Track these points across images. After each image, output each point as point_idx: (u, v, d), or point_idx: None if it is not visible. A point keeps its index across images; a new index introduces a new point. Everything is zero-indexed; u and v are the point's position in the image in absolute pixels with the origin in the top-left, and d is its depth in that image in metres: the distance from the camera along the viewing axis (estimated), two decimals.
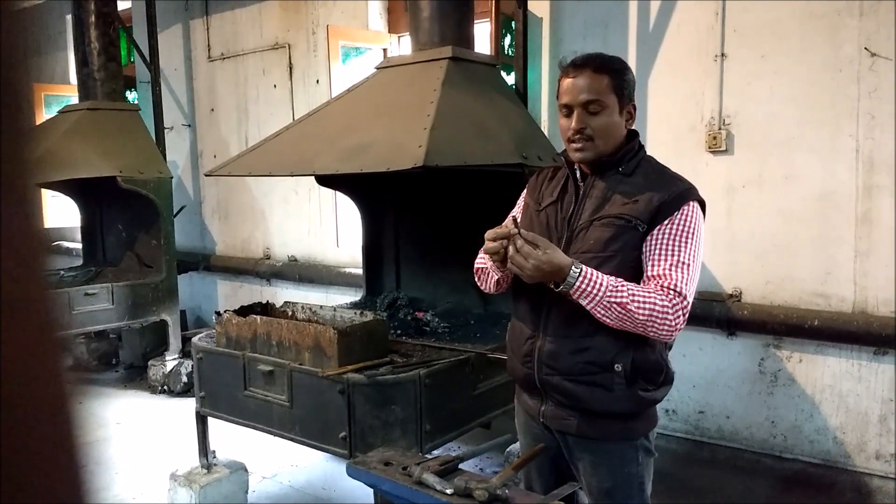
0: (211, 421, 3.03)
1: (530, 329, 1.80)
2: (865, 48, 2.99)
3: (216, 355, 2.84)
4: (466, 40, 3.31)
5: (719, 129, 3.39)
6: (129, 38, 5.55)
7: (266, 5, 5.32)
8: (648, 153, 1.85)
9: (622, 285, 1.60)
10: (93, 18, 4.93)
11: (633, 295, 1.59)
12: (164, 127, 5.40)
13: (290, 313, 2.96)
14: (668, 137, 3.46)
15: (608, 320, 1.61)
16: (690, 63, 3.47)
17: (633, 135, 1.80)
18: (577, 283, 1.58)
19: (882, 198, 3.02)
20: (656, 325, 1.60)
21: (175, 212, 5.14)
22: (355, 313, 2.80)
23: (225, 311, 2.84)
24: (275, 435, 2.66)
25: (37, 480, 0.34)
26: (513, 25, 3.90)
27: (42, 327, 0.35)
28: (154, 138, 5.19)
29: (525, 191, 1.99)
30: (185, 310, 5.94)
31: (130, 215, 5.27)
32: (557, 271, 1.59)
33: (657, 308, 1.59)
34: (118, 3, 5.30)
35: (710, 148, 3.42)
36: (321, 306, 2.95)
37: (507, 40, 4.25)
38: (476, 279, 2.01)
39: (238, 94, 5.62)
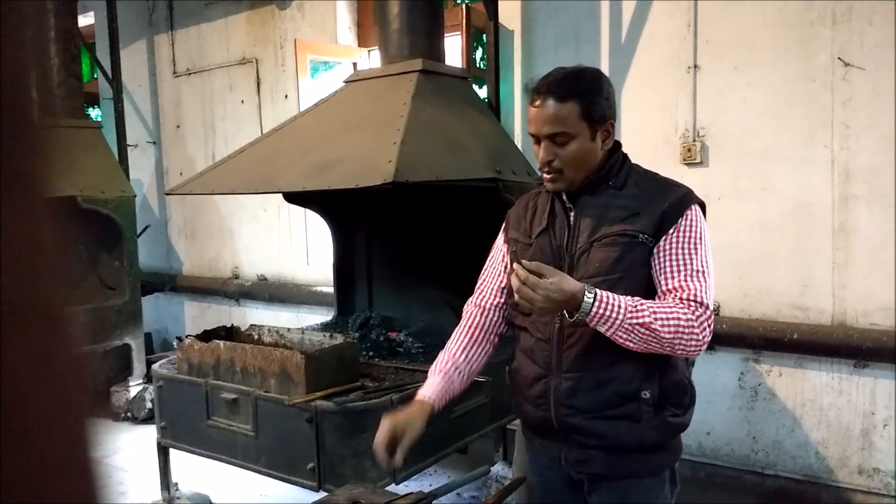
0: (175, 450, 2.88)
1: (540, 367, 1.65)
2: (839, 58, 2.98)
3: (177, 383, 2.70)
4: (437, 53, 3.23)
5: (694, 140, 3.35)
6: (90, 55, 5.40)
7: (232, 19, 5.21)
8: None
9: (641, 304, 1.48)
10: (52, 34, 4.78)
11: (655, 313, 1.46)
12: (127, 144, 5.24)
13: (256, 337, 2.84)
14: (642, 149, 3.39)
15: (631, 344, 1.48)
16: (663, 75, 3.43)
17: (615, 146, 1.69)
18: (595, 309, 1.44)
19: (858, 208, 2.99)
20: (684, 342, 1.48)
21: (139, 232, 4.97)
22: (324, 336, 2.69)
23: (187, 337, 2.71)
24: (239, 467, 2.53)
25: (52, 499, 0.34)
26: (484, 38, 3.84)
27: (61, 342, 0.34)
28: (117, 156, 5.03)
29: (502, 230, 1.84)
30: (151, 332, 5.75)
31: (92, 236, 5.08)
32: (570, 299, 1.44)
33: (682, 323, 1.47)
34: (80, 18, 5.15)
35: (684, 160, 3.37)
36: (289, 329, 2.83)
37: (479, 53, 4.19)
38: None
39: (205, 111, 5.48)
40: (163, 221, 5.90)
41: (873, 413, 3.01)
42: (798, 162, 3.11)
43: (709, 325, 1.50)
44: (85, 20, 6.07)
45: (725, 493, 3.32)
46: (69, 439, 0.35)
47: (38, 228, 0.33)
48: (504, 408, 2.82)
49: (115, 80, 5.12)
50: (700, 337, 1.49)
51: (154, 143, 5.86)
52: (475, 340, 1.79)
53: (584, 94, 1.58)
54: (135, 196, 4.87)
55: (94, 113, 6.45)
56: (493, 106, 3.65)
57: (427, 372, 2.63)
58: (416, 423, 1.63)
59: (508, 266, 1.75)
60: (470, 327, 1.81)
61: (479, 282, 1.85)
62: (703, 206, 1.66)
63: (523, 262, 1.47)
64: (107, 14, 5.12)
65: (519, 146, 3.73)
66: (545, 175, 1.62)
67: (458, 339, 1.80)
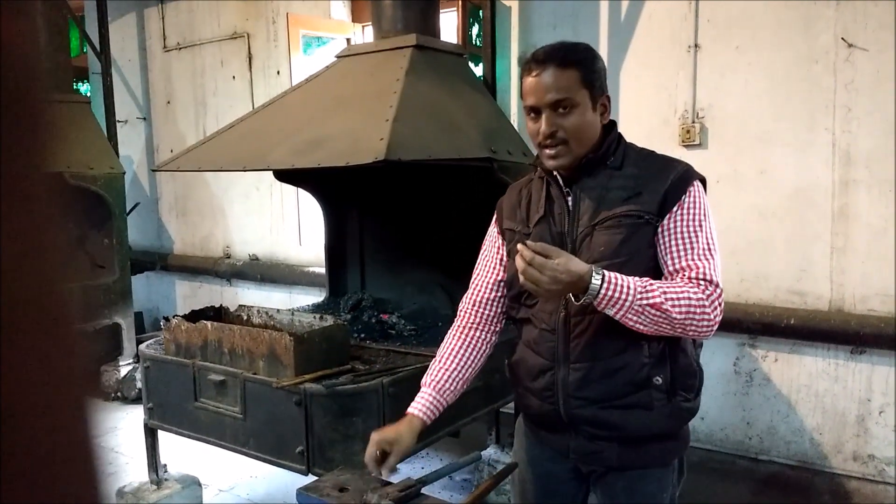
0: (163, 432, 2.84)
1: (545, 358, 1.58)
2: (842, 38, 2.91)
3: (164, 364, 2.65)
4: (432, 29, 3.16)
5: (693, 122, 3.29)
6: (79, 28, 5.28)
7: None
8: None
9: (650, 284, 1.42)
10: (39, 6, 4.65)
11: (666, 293, 1.40)
12: (116, 120, 5.14)
13: (244, 318, 2.78)
14: (640, 131, 3.34)
15: (641, 327, 1.42)
16: (663, 54, 3.36)
17: (611, 125, 1.63)
18: (603, 291, 1.38)
19: (859, 193, 2.94)
20: (695, 322, 1.42)
21: (128, 209, 4.89)
22: (314, 317, 2.64)
23: (174, 317, 2.66)
24: (227, 449, 2.49)
25: (53, 483, 0.34)
26: (480, 14, 3.75)
27: (56, 322, 0.34)
28: (105, 132, 4.94)
29: (494, 221, 1.76)
30: (143, 311, 5.69)
31: (81, 213, 4.99)
32: (577, 280, 1.38)
33: (693, 302, 1.41)
34: None
35: (683, 142, 3.31)
36: (278, 310, 2.77)
37: (475, 30, 4.11)
38: None
39: (195, 86, 5.38)
40: (153, 199, 5.82)
41: (869, 400, 2.99)
42: (798, 145, 3.05)
43: (719, 304, 1.45)
44: None
45: (719, 479, 3.30)
46: (68, 419, 0.34)
47: (35, 205, 0.33)
48: (497, 391, 2.78)
49: (104, 54, 5.01)
50: (711, 316, 1.43)
51: (144, 118, 5.76)
52: (469, 343, 1.73)
53: (584, 63, 1.54)
54: (124, 173, 4.78)
55: (83, 88, 6.33)
56: (489, 84, 3.58)
57: (419, 354, 2.60)
58: (405, 440, 1.60)
59: (505, 256, 1.70)
60: (464, 328, 1.75)
61: (473, 277, 1.79)
62: (703, 182, 1.60)
63: (528, 242, 1.41)
64: None
65: (515, 125, 3.66)
66: (546, 151, 1.54)
67: (451, 344, 1.74)
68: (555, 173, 1.60)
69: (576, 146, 1.53)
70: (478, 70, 3.71)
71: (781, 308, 3.13)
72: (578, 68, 1.52)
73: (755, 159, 3.16)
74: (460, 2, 3.73)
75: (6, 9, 0.32)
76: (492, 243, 1.76)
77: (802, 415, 3.16)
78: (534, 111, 1.55)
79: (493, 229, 1.77)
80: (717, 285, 1.46)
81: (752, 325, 3.18)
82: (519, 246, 1.41)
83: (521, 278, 1.40)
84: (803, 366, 3.14)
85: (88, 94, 5.79)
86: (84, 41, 5.33)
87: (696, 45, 3.27)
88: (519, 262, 1.40)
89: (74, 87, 5.42)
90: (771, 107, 3.10)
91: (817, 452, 3.13)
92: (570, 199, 1.58)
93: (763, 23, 3.09)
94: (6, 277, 0.31)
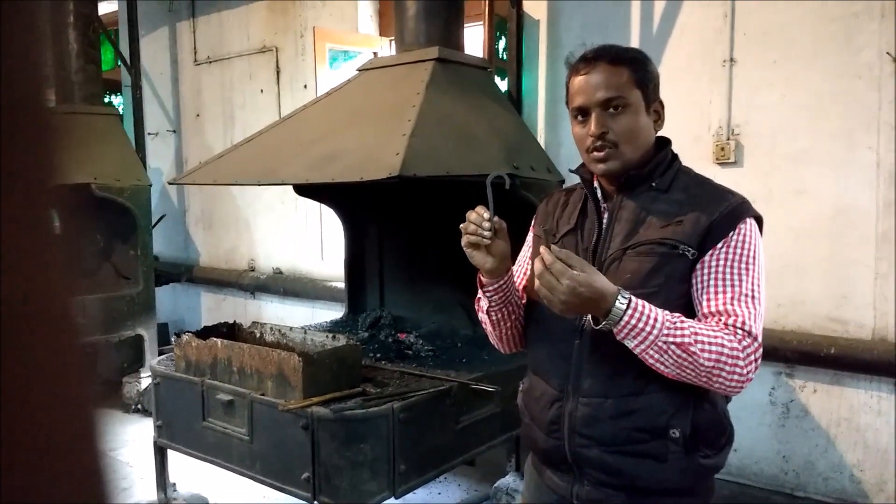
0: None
1: (555, 388, 1.44)
2: (887, 53, 2.75)
3: (174, 381, 2.59)
4: (455, 42, 3.08)
5: (727, 139, 3.15)
6: (110, 41, 5.34)
7: (253, 7, 5.10)
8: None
9: (681, 321, 1.27)
10: (71, 19, 4.71)
11: (697, 334, 1.25)
12: (146, 133, 5.17)
13: (257, 335, 2.72)
14: (672, 148, 3.22)
15: (663, 367, 1.28)
16: (696, 69, 3.23)
17: (663, 142, 1.49)
18: (627, 318, 1.24)
19: None
20: (724, 374, 1.26)
21: (154, 221, 4.90)
22: (327, 336, 2.56)
23: (185, 333, 2.60)
24: (233, 472, 2.41)
25: (59, 495, 0.33)
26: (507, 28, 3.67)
27: (62, 338, 0.33)
28: (134, 144, 4.97)
29: (533, 222, 1.65)
30: (168, 323, 5.69)
31: (107, 224, 5.02)
32: (599, 299, 1.24)
33: (726, 351, 1.25)
34: (105, 4, 5.09)
35: (717, 160, 3.17)
36: (291, 328, 2.70)
37: (502, 43, 4.02)
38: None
39: (224, 99, 5.39)
40: (181, 211, 5.84)
41: None
42: (838, 164, 2.89)
43: (756, 360, 1.30)
44: (110, 6, 6.03)
45: None
46: (74, 435, 0.34)
47: (42, 218, 0.32)
48: (515, 418, 2.66)
49: (133, 68, 5.06)
50: (744, 371, 1.28)
51: (174, 131, 5.80)
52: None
53: (636, 62, 1.42)
54: (150, 185, 4.79)
55: (116, 101, 6.42)
56: (514, 98, 3.48)
57: (434, 378, 2.49)
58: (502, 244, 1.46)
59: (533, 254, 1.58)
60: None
61: None
62: (759, 221, 1.42)
63: (552, 247, 1.28)
64: (126, 1, 5.05)
65: (541, 142, 3.56)
66: (595, 154, 1.40)
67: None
68: (595, 185, 1.48)
69: (627, 150, 1.40)
70: (504, 84, 3.62)
71: (821, 336, 2.95)
72: (631, 67, 1.40)
73: (792, 179, 3.00)
74: (487, 16, 3.66)
75: (10, 17, 0.31)
76: (526, 248, 1.66)
77: (842, 450, 2.97)
78: (582, 113, 1.42)
79: (529, 235, 1.67)
80: (755, 338, 1.30)
81: (790, 353, 3.01)
82: (542, 248, 1.29)
83: (537, 283, 1.28)
84: (844, 398, 2.96)
85: (121, 107, 5.86)
86: (117, 56, 5.39)
87: (731, 60, 3.14)
88: (537, 265, 1.27)
89: (107, 99, 5.48)
90: (809, 124, 2.95)
91: (857, 490, 2.94)
92: (605, 216, 1.46)
93: (802, 36, 2.95)
94: (10, 292, 0.30)
